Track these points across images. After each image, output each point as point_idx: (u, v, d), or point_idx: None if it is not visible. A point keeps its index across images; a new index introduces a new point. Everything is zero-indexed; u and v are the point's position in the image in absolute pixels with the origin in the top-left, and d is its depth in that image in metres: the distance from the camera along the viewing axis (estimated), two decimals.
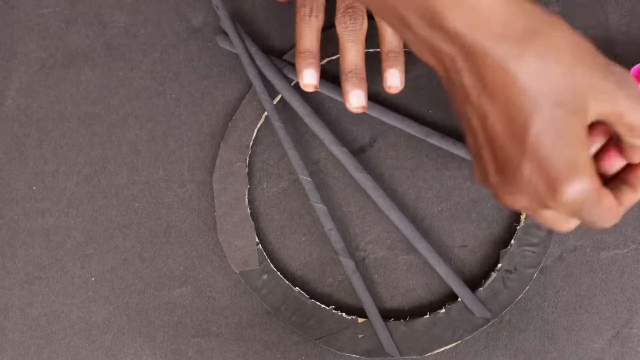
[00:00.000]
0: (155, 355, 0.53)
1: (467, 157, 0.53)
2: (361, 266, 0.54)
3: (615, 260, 0.53)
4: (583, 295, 0.53)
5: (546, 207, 0.36)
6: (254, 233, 0.53)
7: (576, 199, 0.35)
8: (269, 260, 0.53)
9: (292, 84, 0.54)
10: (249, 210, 0.54)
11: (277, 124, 0.53)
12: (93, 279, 0.54)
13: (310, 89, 0.51)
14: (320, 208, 0.53)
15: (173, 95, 0.56)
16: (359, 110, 0.50)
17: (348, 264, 0.52)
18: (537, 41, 0.34)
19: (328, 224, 0.53)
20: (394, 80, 0.50)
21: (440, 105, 0.55)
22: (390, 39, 0.50)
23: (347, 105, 0.50)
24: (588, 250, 0.53)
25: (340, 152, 0.53)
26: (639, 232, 0.53)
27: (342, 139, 0.55)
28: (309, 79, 0.50)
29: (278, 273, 0.53)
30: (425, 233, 0.54)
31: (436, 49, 0.36)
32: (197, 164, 0.55)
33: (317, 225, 0.54)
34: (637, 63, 0.55)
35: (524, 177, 0.35)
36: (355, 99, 0.50)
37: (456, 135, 0.54)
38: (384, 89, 0.51)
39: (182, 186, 0.55)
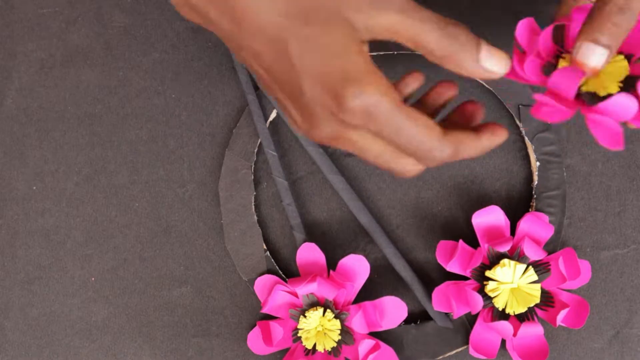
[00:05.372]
0: (155, 355, 0.53)
1: None
2: None
3: (615, 260, 0.53)
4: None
5: (343, 123, 0.35)
6: (261, 240, 0.53)
7: (362, 106, 0.34)
8: (277, 267, 0.53)
9: None
10: (255, 217, 0.54)
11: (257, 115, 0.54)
12: (93, 279, 0.54)
13: None
14: (280, 182, 0.53)
15: (173, 95, 0.56)
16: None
17: (299, 239, 0.53)
18: None
19: (287, 199, 0.53)
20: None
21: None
22: None
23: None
24: (588, 250, 0.53)
25: (316, 153, 0.53)
26: (639, 232, 0.53)
27: None
28: None
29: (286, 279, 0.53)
30: (425, 233, 0.54)
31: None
32: (197, 164, 0.55)
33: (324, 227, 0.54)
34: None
35: (309, 96, 0.35)
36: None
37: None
38: None
39: (182, 186, 0.55)
